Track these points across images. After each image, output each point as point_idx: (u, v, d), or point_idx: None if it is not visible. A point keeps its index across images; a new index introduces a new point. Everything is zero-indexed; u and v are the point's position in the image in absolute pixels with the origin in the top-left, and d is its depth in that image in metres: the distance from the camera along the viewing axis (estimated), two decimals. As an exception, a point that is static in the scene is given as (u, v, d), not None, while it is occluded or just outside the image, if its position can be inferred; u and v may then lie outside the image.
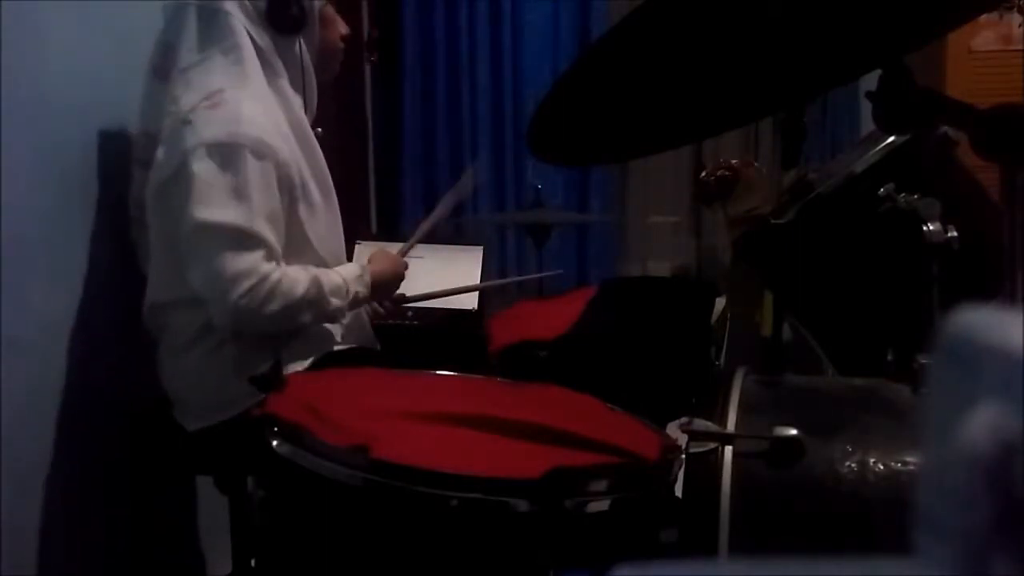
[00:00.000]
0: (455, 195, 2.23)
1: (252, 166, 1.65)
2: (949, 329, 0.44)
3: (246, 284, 1.64)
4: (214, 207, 1.64)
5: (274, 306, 1.66)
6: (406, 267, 1.98)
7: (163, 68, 1.78)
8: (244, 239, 1.65)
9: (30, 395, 1.67)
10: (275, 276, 1.67)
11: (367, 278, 1.83)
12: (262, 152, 1.67)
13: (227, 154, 1.65)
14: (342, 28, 1.92)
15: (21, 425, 1.62)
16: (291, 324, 1.73)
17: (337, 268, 1.81)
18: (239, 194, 1.65)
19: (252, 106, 1.70)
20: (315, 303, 1.72)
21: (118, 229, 1.89)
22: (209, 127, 1.66)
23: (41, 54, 1.69)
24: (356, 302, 1.82)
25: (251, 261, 1.65)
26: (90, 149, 1.86)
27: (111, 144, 1.89)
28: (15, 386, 1.60)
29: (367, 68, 3.73)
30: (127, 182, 1.87)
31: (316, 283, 1.72)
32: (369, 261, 1.92)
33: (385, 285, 1.91)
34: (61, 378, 1.77)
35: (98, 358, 1.85)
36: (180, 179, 1.67)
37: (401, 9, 3.79)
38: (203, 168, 1.64)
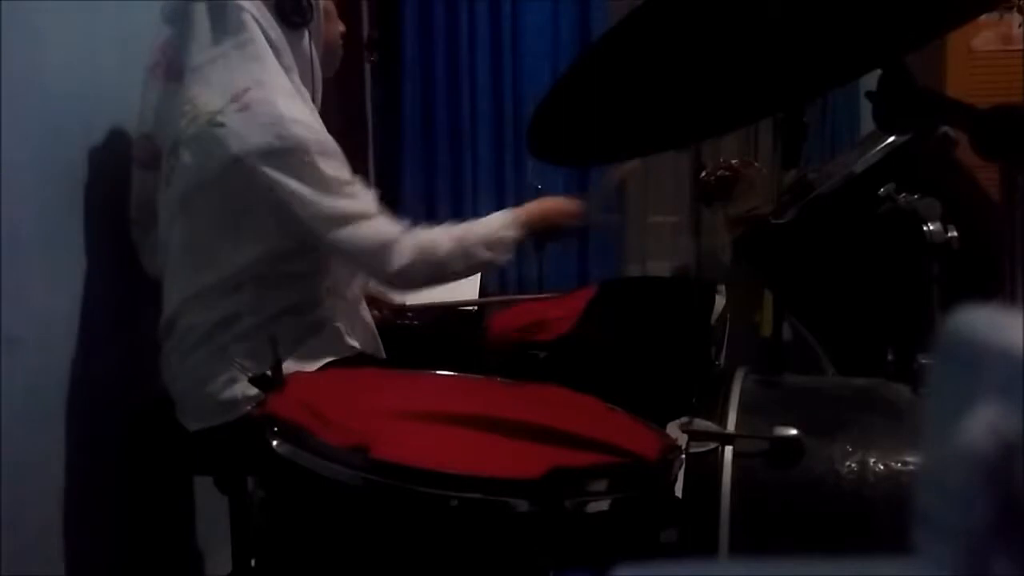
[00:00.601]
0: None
1: (318, 157, 1.65)
2: (949, 329, 0.44)
3: (392, 252, 1.71)
4: (319, 199, 1.65)
5: (434, 257, 1.76)
6: (574, 207, 2.04)
7: (168, 68, 1.77)
8: (357, 215, 1.70)
9: (30, 395, 1.67)
10: (412, 239, 1.74)
11: (521, 218, 1.90)
12: (317, 141, 1.67)
13: (287, 155, 1.63)
14: (340, 25, 1.92)
15: (21, 425, 1.62)
16: (442, 276, 1.84)
17: (484, 219, 1.90)
18: (322, 184, 1.65)
19: (286, 102, 1.67)
20: (464, 256, 1.81)
21: (118, 229, 1.89)
22: (254, 132, 1.63)
23: (41, 53, 1.69)
24: (508, 244, 1.89)
25: (379, 225, 1.72)
26: (89, 149, 1.85)
27: (111, 144, 1.88)
28: (15, 386, 1.60)
29: (367, 68, 3.72)
30: (127, 182, 1.87)
31: (459, 239, 1.80)
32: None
33: (543, 220, 1.97)
34: (61, 378, 1.77)
35: (98, 358, 1.85)
36: (221, 186, 1.66)
37: (401, 9, 3.79)
38: (275, 175, 1.63)
